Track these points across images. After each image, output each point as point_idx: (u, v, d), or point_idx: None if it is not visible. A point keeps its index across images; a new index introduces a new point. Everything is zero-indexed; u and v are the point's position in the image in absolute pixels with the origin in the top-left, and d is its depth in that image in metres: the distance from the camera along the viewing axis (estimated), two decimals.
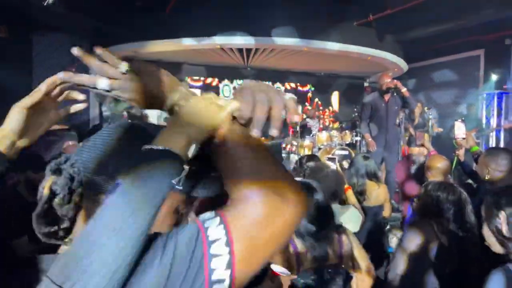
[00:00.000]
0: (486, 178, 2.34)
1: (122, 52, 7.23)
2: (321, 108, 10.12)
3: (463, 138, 3.09)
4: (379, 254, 2.80)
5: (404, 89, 4.92)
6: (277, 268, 1.59)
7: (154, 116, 5.87)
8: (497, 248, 1.44)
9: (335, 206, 2.26)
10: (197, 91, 4.87)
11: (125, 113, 6.22)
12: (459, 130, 3.17)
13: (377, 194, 3.02)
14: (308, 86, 10.02)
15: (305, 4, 6.69)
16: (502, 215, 1.38)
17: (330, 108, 10.35)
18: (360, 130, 5.61)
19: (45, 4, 4.93)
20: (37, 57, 7.17)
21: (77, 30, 7.12)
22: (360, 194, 2.96)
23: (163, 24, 6.42)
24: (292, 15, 6.56)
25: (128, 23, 6.46)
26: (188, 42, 6.58)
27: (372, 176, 3.06)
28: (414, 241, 1.91)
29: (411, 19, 6.96)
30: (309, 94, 10.05)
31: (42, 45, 7.20)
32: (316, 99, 10.13)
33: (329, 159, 3.25)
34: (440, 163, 2.86)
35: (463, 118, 3.52)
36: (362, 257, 1.63)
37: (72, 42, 7.44)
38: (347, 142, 7.63)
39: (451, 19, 6.59)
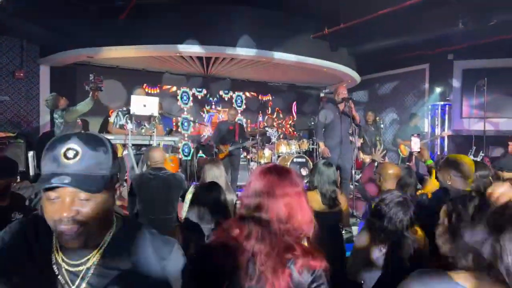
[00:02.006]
0: (448, 183, 2.44)
1: (76, 57, 6.99)
2: (281, 116, 10.34)
3: (418, 152, 3.28)
4: (336, 254, 2.90)
5: (354, 113, 5.20)
6: None
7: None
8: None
9: None
10: (155, 99, 4.82)
11: (79, 121, 6.00)
12: (415, 144, 3.36)
13: (340, 199, 3.13)
14: (269, 96, 10.20)
15: (263, 16, 6.87)
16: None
17: (291, 117, 10.59)
18: (316, 138, 5.81)
19: None
20: None
21: (27, 34, 6.80)
22: (332, 201, 3.01)
23: (117, 30, 6.30)
24: (250, 27, 6.71)
25: (81, 28, 6.27)
26: (141, 50, 6.48)
27: (336, 183, 3.19)
28: (363, 242, 2.06)
29: (363, 34, 7.36)
30: (270, 103, 10.22)
31: None
32: (277, 108, 10.32)
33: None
34: (390, 170, 3.04)
35: (418, 133, 3.73)
36: None
37: (21, 46, 7.09)
38: (304, 150, 7.85)
39: (399, 34, 7.04)
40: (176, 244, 1.06)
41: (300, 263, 1.18)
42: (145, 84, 8.16)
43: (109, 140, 0.98)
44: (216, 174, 3.09)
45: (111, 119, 6.50)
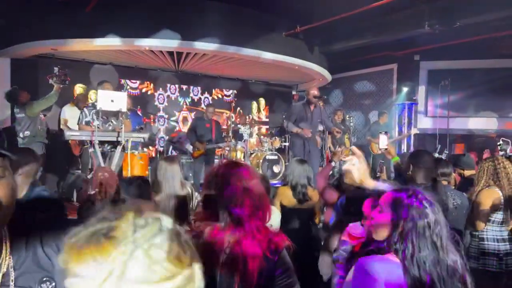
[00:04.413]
0: (409, 173, 2.63)
1: (39, 49, 6.67)
2: (257, 114, 10.31)
3: (386, 149, 3.35)
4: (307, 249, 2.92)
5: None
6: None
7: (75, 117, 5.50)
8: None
9: None
10: (124, 94, 4.68)
11: (42, 116, 5.73)
12: (382, 142, 3.42)
13: (311, 196, 3.16)
14: (239, 92, 10.14)
15: (235, 13, 6.82)
16: None
17: (263, 113, 10.60)
18: (287, 128, 5.79)
19: None
20: None
21: None
22: (303, 196, 3.08)
23: (81, 23, 6.05)
24: (222, 22, 6.64)
25: (44, 19, 5.98)
26: (102, 42, 6.26)
27: (309, 179, 3.21)
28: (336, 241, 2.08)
29: (334, 33, 7.47)
30: (234, 99, 10.16)
31: None
32: (239, 108, 10.28)
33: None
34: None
35: (386, 131, 3.81)
36: None
37: None
38: (277, 148, 7.88)
39: (368, 35, 7.20)
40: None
41: (266, 243, 1.29)
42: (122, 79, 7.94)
43: None
44: (169, 172, 3.00)
45: (65, 115, 6.30)
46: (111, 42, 6.22)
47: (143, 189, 2.42)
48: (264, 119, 10.60)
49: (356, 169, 1.73)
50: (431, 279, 1.29)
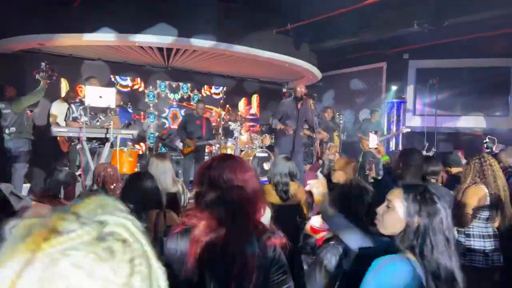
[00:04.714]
0: (398, 171, 2.69)
1: (25, 44, 6.54)
2: (250, 112, 10.29)
3: (375, 149, 3.33)
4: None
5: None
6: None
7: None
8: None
9: None
10: (112, 90, 4.62)
11: (28, 112, 5.62)
12: (372, 141, 3.42)
13: (297, 193, 3.17)
14: (230, 89, 10.11)
15: (226, 9, 6.78)
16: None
17: (251, 110, 10.59)
18: (272, 125, 5.84)
19: None
20: None
21: None
22: (285, 193, 3.08)
23: (69, 18, 5.95)
24: (212, 19, 6.59)
25: (31, 14, 5.86)
26: (91, 38, 6.17)
27: (293, 176, 3.21)
28: None
29: (324, 31, 7.49)
30: (224, 97, 10.14)
31: None
32: (242, 101, 10.27)
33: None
34: (345, 164, 3.14)
35: (376, 130, 3.80)
36: None
37: None
38: (267, 145, 7.89)
39: (358, 33, 7.24)
40: None
41: (263, 240, 1.25)
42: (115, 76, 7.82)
43: None
44: (160, 169, 2.98)
45: (53, 111, 6.19)
46: (100, 38, 6.14)
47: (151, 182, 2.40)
48: (249, 115, 10.59)
49: (316, 192, 1.79)
50: (448, 274, 1.30)
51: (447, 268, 1.30)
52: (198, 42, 6.52)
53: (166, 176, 2.90)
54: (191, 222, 1.29)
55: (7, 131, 4.97)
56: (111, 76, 8.26)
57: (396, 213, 1.44)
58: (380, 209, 1.52)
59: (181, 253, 1.27)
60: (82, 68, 7.53)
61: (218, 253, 1.23)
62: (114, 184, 3.06)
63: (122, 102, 6.67)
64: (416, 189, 1.45)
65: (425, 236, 1.33)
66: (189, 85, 9.43)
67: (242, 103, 10.33)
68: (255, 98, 10.57)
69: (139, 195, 2.29)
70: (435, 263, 1.30)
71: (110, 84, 7.99)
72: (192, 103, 9.20)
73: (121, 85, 8.43)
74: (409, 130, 7.81)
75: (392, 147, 8.84)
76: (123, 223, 0.48)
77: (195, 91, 9.50)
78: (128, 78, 8.53)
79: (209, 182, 1.30)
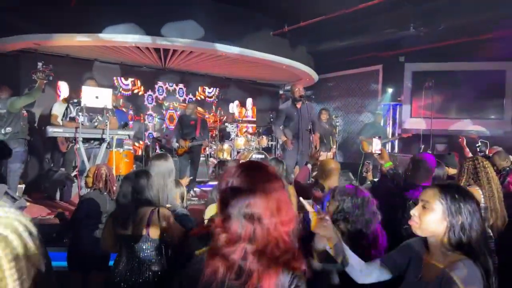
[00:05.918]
0: (408, 174, 2.80)
1: (21, 44, 6.52)
2: (246, 113, 10.29)
3: (379, 154, 3.26)
4: None
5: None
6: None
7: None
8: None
9: None
10: (109, 91, 4.61)
11: (24, 112, 5.60)
12: (376, 146, 3.38)
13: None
14: (226, 90, 10.11)
15: (223, 11, 6.79)
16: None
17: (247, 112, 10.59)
18: (275, 135, 5.88)
19: None
20: None
21: None
22: None
23: (65, 17, 5.94)
24: (209, 20, 6.60)
25: (27, 14, 5.85)
26: (84, 38, 6.16)
27: (284, 178, 3.22)
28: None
29: (321, 33, 7.52)
30: (220, 97, 10.12)
31: None
32: (237, 103, 10.27)
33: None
34: (331, 165, 3.16)
35: (380, 136, 3.74)
36: None
37: None
38: (264, 147, 7.90)
39: (354, 36, 7.28)
40: None
41: (284, 262, 1.13)
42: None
43: None
44: (162, 169, 2.98)
45: (54, 111, 6.17)
46: (97, 38, 6.13)
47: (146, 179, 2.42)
48: (245, 117, 10.59)
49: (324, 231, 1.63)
50: (492, 265, 1.30)
51: (493, 264, 1.31)
52: (196, 44, 6.52)
53: (170, 176, 2.92)
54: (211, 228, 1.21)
55: (2, 131, 4.95)
56: (114, 78, 8.31)
57: (435, 213, 1.41)
58: (416, 211, 1.47)
59: None
60: (82, 69, 7.51)
61: (236, 268, 1.15)
62: (109, 185, 3.08)
63: (121, 103, 6.67)
64: (452, 188, 1.43)
65: (471, 234, 1.33)
66: (185, 86, 9.44)
67: (237, 105, 10.33)
68: (251, 100, 10.58)
69: (133, 192, 2.33)
70: (486, 260, 1.30)
71: (113, 87, 8.06)
72: (187, 103, 9.21)
73: (124, 89, 8.50)
74: (409, 134, 7.81)
75: (388, 149, 8.87)
76: None
77: (190, 95, 9.52)
78: (130, 81, 8.58)
79: (232, 190, 1.19)
